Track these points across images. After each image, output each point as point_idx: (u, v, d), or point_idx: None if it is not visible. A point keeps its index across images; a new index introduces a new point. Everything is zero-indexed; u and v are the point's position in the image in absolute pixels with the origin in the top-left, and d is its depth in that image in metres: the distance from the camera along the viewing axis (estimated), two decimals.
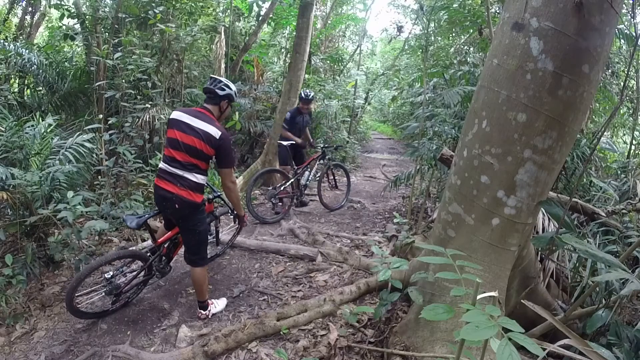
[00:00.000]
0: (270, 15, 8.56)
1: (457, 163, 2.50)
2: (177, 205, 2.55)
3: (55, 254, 3.32)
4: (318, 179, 5.69)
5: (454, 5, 5.02)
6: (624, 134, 6.85)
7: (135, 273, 2.89)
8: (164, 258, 3.02)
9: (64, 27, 6.42)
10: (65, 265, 3.45)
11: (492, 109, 2.24)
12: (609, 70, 5.08)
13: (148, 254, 2.89)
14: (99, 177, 4.46)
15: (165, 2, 5.75)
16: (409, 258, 3.49)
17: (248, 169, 6.65)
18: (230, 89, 2.68)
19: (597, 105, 5.28)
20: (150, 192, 4.55)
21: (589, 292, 2.47)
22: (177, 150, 2.53)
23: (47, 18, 9.34)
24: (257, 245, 4.09)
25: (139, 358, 2.43)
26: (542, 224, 3.24)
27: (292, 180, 5.16)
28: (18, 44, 6.05)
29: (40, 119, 4.04)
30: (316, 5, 8.66)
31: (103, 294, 2.82)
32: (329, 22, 11.26)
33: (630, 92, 5.59)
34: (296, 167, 5.29)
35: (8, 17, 8.30)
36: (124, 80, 5.02)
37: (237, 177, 6.07)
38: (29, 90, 6.67)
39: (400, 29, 8.94)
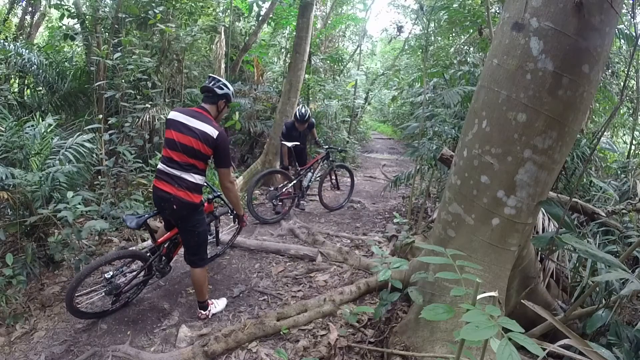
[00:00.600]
0: (270, 15, 8.56)
1: (457, 163, 2.50)
2: (175, 206, 2.54)
3: (55, 254, 3.32)
4: (319, 179, 5.68)
5: (454, 5, 5.02)
6: (624, 134, 6.85)
7: (135, 273, 2.89)
8: (164, 258, 3.02)
9: (64, 27, 6.42)
10: (65, 265, 3.45)
11: (492, 109, 2.24)
12: (609, 70, 5.08)
13: (148, 254, 2.89)
14: (99, 177, 4.46)
15: (165, 2, 5.75)
16: (409, 258, 3.49)
17: (248, 169, 6.64)
18: (228, 88, 2.68)
19: (597, 105, 5.27)
20: (150, 191, 4.55)
21: (589, 292, 2.47)
22: (174, 150, 2.52)
23: (47, 18, 9.34)
24: (257, 245, 4.09)
25: (139, 358, 2.43)
26: (542, 224, 3.24)
27: (295, 181, 5.15)
28: (18, 44, 6.05)
29: (40, 119, 4.03)
30: (316, 5, 8.66)
31: (103, 294, 2.82)
32: (329, 22, 11.25)
33: (630, 92, 5.59)
34: (299, 168, 5.28)
35: (8, 17, 8.30)
36: (124, 80, 5.02)
37: (237, 177, 6.08)
38: (29, 90, 6.67)
39: (400, 29, 8.94)
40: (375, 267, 2.91)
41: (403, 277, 2.84)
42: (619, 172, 4.55)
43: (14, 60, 5.75)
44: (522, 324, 1.06)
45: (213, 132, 2.50)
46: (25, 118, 4.19)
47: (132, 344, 2.59)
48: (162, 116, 5.19)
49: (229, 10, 8.14)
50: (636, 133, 5.55)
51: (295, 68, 6.52)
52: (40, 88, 6.28)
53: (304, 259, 3.87)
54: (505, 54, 2.18)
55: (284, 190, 5.07)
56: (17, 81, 6.73)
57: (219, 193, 3.31)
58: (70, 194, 3.20)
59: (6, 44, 5.75)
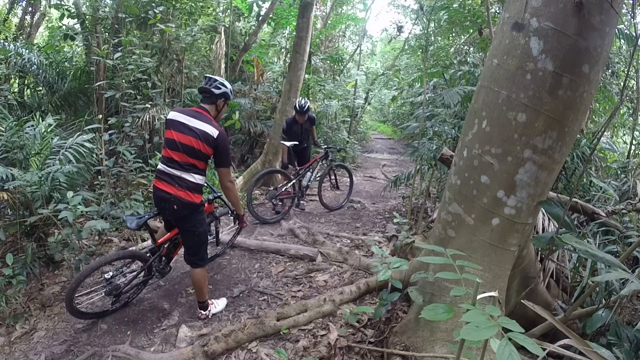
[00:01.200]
0: (270, 15, 8.56)
1: (457, 163, 2.50)
2: (175, 207, 2.54)
3: (55, 254, 3.32)
4: (319, 179, 5.67)
5: (454, 5, 5.02)
6: (624, 134, 6.85)
7: (135, 273, 2.89)
8: (164, 259, 3.02)
9: (64, 27, 6.42)
10: (65, 265, 3.45)
11: (492, 109, 2.24)
12: (609, 70, 5.08)
13: (148, 255, 2.89)
14: (99, 177, 4.46)
15: (165, 2, 5.74)
16: (409, 258, 3.49)
17: (248, 169, 6.64)
18: (226, 87, 2.66)
19: (597, 105, 5.27)
20: (150, 191, 4.55)
21: (589, 292, 2.47)
22: (174, 150, 2.52)
23: (47, 18, 9.33)
24: (257, 245, 4.09)
25: (139, 358, 2.43)
26: (542, 224, 3.24)
27: (294, 181, 5.14)
28: (18, 44, 6.05)
29: (40, 119, 4.04)
30: (316, 5, 8.66)
31: (103, 294, 2.82)
32: (329, 22, 11.25)
33: (630, 92, 5.59)
34: (298, 168, 5.27)
35: (8, 17, 8.30)
36: (124, 80, 5.02)
37: (237, 177, 6.08)
38: (29, 90, 6.67)
39: (400, 29, 8.95)
40: (375, 267, 2.91)
41: (403, 277, 2.84)
42: (619, 172, 4.55)
43: (14, 60, 5.75)
44: (522, 324, 1.06)
45: (213, 131, 2.50)
46: (25, 118, 4.19)
47: (132, 344, 2.59)
48: (162, 116, 5.19)
49: (229, 10, 8.14)
50: (636, 133, 5.54)
51: (295, 68, 6.52)
52: (40, 88, 6.28)
53: (304, 259, 3.87)
54: (505, 54, 2.18)
55: (283, 190, 5.07)
56: (17, 81, 6.73)
57: (219, 194, 3.31)
58: (70, 194, 3.20)
59: (6, 44, 5.75)
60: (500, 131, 2.21)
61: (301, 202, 5.63)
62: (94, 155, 4.24)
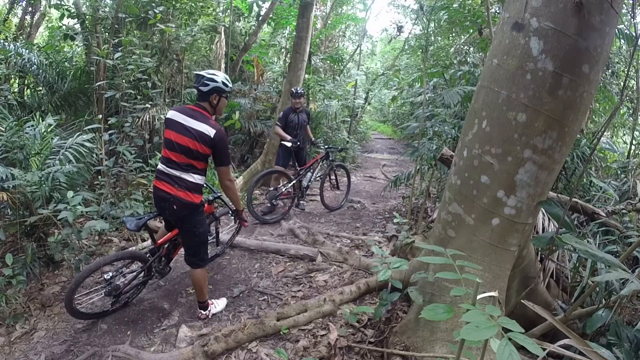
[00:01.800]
0: (270, 15, 8.56)
1: (457, 163, 2.50)
2: (175, 207, 2.54)
3: (55, 254, 3.32)
4: (320, 179, 5.66)
5: (454, 5, 5.02)
6: (624, 134, 6.85)
7: (134, 274, 2.89)
8: (163, 259, 3.02)
9: (64, 27, 6.41)
10: (65, 265, 3.45)
11: (492, 109, 2.24)
12: (609, 70, 5.07)
13: (147, 255, 2.89)
14: (99, 177, 4.46)
15: (165, 2, 5.74)
16: (409, 258, 3.49)
17: (248, 169, 6.64)
18: (215, 81, 2.53)
19: (597, 105, 5.27)
20: (150, 191, 4.55)
21: (589, 292, 2.47)
22: (172, 151, 2.51)
23: (47, 18, 9.33)
24: (257, 245, 4.09)
25: (139, 358, 2.43)
26: (542, 224, 3.24)
27: (294, 181, 5.14)
28: (18, 44, 6.05)
29: (40, 119, 4.03)
30: (316, 5, 8.65)
31: (102, 294, 2.82)
32: (329, 22, 11.24)
33: (630, 92, 5.59)
34: (299, 168, 5.27)
35: (8, 17, 8.30)
36: (124, 80, 5.02)
37: (237, 177, 6.07)
38: (29, 90, 6.66)
39: (400, 29, 8.94)
40: (375, 267, 2.91)
41: (403, 277, 2.84)
42: (619, 172, 4.55)
43: (14, 60, 5.75)
44: (522, 324, 1.06)
45: (210, 131, 2.46)
46: (25, 118, 4.19)
47: (132, 344, 2.59)
48: (162, 116, 5.19)
49: (229, 10, 8.13)
50: (636, 133, 5.54)
51: (295, 68, 6.52)
52: (40, 88, 6.28)
53: (304, 259, 3.86)
54: (505, 54, 2.18)
55: (283, 190, 5.06)
56: (17, 81, 6.73)
57: (219, 194, 3.31)
58: (70, 194, 3.20)
59: (6, 44, 5.74)
60: (500, 131, 2.21)
61: (301, 202, 5.63)
62: (94, 155, 4.24)
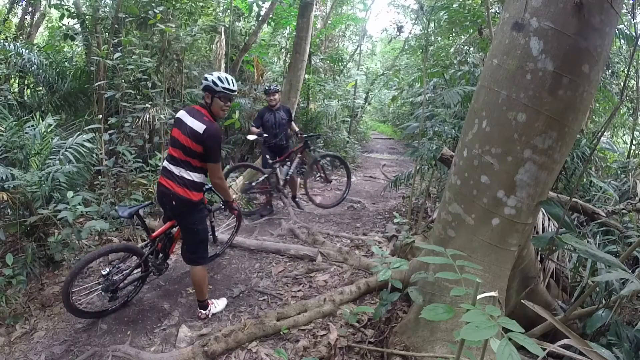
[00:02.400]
0: (270, 15, 8.55)
1: (457, 163, 2.50)
2: (174, 202, 2.62)
3: (55, 254, 3.32)
4: (302, 174, 5.35)
5: (454, 5, 5.02)
6: (624, 134, 6.85)
7: (131, 269, 2.90)
8: (160, 255, 3.03)
9: (64, 27, 6.41)
10: (65, 265, 3.45)
11: (492, 109, 2.24)
12: (609, 70, 5.07)
13: (143, 249, 2.92)
14: (99, 177, 4.46)
15: (165, 2, 5.74)
16: (409, 258, 3.49)
17: (248, 169, 6.63)
18: (206, 79, 2.58)
19: (597, 105, 5.27)
20: (150, 192, 4.56)
21: (589, 292, 2.47)
22: (175, 148, 2.62)
23: (47, 18, 9.32)
24: (257, 245, 4.09)
25: (139, 358, 2.43)
26: (542, 224, 3.24)
27: (267, 175, 5.04)
28: (18, 44, 6.04)
29: (40, 119, 4.03)
30: (316, 5, 8.65)
31: (100, 290, 2.83)
32: (329, 22, 11.24)
33: (630, 92, 5.59)
34: (271, 162, 5.12)
35: (8, 17, 8.29)
36: (124, 80, 5.02)
37: (237, 177, 6.07)
38: (29, 90, 6.66)
39: (400, 29, 8.94)
40: (375, 267, 2.91)
41: (403, 277, 2.84)
42: (619, 172, 4.55)
43: (14, 60, 5.75)
44: (522, 324, 1.06)
45: (200, 127, 2.51)
46: (25, 118, 4.19)
47: (132, 344, 2.59)
48: (162, 116, 5.19)
49: (229, 10, 8.13)
50: (636, 133, 5.54)
51: (295, 68, 6.52)
52: (40, 88, 6.28)
53: (304, 259, 3.86)
54: (505, 54, 2.18)
55: (253, 184, 5.06)
56: (17, 81, 6.73)
57: (209, 186, 3.30)
58: (70, 194, 3.20)
59: (6, 44, 5.74)
60: (500, 131, 2.21)
61: (297, 200, 5.49)
62: (94, 155, 4.24)
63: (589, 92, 2.12)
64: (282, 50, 10.10)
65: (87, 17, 5.69)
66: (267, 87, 5.09)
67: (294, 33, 7.01)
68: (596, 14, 1.98)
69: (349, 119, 11.05)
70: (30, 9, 8.24)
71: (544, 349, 1.24)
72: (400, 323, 2.58)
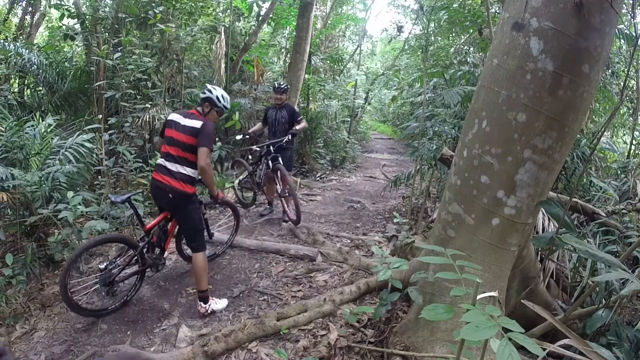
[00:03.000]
0: (270, 15, 8.56)
1: (457, 163, 2.50)
2: (170, 195, 2.82)
3: (55, 254, 3.32)
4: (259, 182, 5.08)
5: (454, 5, 5.02)
6: (624, 134, 6.85)
7: (128, 262, 2.92)
8: (157, 249, 3.08)
9: (64, 27, 6.42)
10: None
11: (492, 109, 2.24)
12: (609, 70, 5.07)
13: (138, 241, 2.97)
14: (99, 177, 4.46)
15: (165, 2, 5.75)
16: (409, 258, 3.49)
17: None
18: (212, 92, 2.94)
19: (597, 105, 5.28)
20: (150, 192, 4.55)
21: (589, 292, 2.47)
22: (171, 146, 2.86)
23: (47, 18, 9.33)
24: (257, 245, 4.09)
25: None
26: (542, 224, 3.24)
27: (250, 174, 5.14)
28: (18, 44, 6.05)
29: (40, 119, 4.03)
30: (316, 5, 8.65)
31: (98, 285, 2.83)
32: (329, 22, 11.24)
33: (630, 92, 5.59)
34: (251, 162, 5.19)
35: (8, 17, 8.30)
36: (124, 80, 5.02)
37: (237, 176, 6.08)
38: (29, 90, 6.67)
39: (400, 29, 8.93)
40: (375, 267, 2.91)
41: (403, 277, 2.84)
42: (619, 172, 4.55)
43: (14, 60, 5.75)
44: (522, 324, 1.06)
45: (198, 124, 2.83)
46: (25, 118, 4.19)
47: (132, 344, 2.59)
48: (162, 116, 5.19)
49: (229, 10, 8.13)
50: (636, 133, 5.55)
51: (295, 68, 6.53)
52: (40, 88, 6.28)
53: (304, 259, 3.86)
54: (505, 54, 2.18)
55: (242, 180, 5.30)
56: (17, 81, 6.73)
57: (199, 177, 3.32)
58: (70, 194, 3.21)
59: (6, 44, 5.74)
60: (500, 131, 2.21)
61: (271, 204, 5.20)
62: (94, 155, 4.24)
63: (589, 92, 2.12)
64: (282, 50, 10.11)
65: (87, 17, 5.69)
66: (276, 85, 4.90)
67: (294, 33, 7.01)
68: (596, 14, 1.98)
69: (349, 119, 11.05)
70: (30, 9, 8.25)
71: (544, 349, 1.24)
72: (400, 323, 2.58)
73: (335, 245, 4.15)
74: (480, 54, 5.68)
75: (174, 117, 2.94)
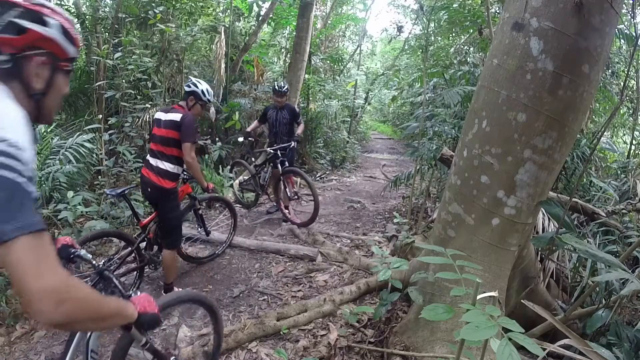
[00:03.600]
0: (270, 15, 8.56)
1: (457, 163, 2.50)
2: (149, 189, 2.91)
3: None
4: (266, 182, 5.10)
5: (454, 5, 5.02)
6: (624, 134, 6.85)
7: (125, 256, 2.95)
8: (155, 247, 3.10)
9: None
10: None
11: (492, 109, 2.24)
12: (609, 70, 5.07)
13: (135, 237, 3.00)
14: (99, 177, 4.46)
15: (165, 2, 5.75)
16: (409, 258, 3.49)
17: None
18: (196, 86, 2.93)
19: (597, 105, 5.28)
20: None
21: (589, 292, 2.47)
22: (154, 142, 2.94)
23: None
24: (257, 245, 4.09)
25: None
26: (542, 224, 3.24)
27: (252, 176, 5.10)
28: None
29: None
30: (316, 5, 8.65)
31: (95, 282, 2.83)
32: (329, 22, 11.24)
33: (630, 92, 5.59)
34: (255, 164, 5.23)
35: None
36: (124, 80, 5.02)
37: (237, 176, 6.08)
38: None
39: (400, 29, 8.93)
40: (375, 267, 2.91)
41: (403, 277, 2.84)
42: (619, 172, 4.55)
43: None
44: (522, 324, 1.06)
45: (177, 116, 2.83)
46: None
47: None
48: None
49: (229, 10, 8.13)
50: (636, 133, 5.55)
51: (295, 68, 6.53)
52: None
53: (304, 259, 3.86)
54: (505, 54, 2.18)
55: (244, 181, 5.30)
56: None
57: (187, 176, 3.37)
58: (70, 194, 3.21)
59: None
60: (500, 131, 2.21)
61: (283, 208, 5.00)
62: (94, 155, 4.25)
63: (589, 92, 2.12)
64: (282, 50, 10.10)
65: (87, 17, 5.69)
66: (276, 87, 4.75)
67: (294, 33, 7.01)
68: (596, 14, 1.98)
69: (349, 119, 11.05)
70: None
71: (544, 349, 1.24)
72: (400, 323, 2.58)
73: (335, 245, 4.15)
74: (480, 54, 5.68)
75: (158, 114, 3.00)
